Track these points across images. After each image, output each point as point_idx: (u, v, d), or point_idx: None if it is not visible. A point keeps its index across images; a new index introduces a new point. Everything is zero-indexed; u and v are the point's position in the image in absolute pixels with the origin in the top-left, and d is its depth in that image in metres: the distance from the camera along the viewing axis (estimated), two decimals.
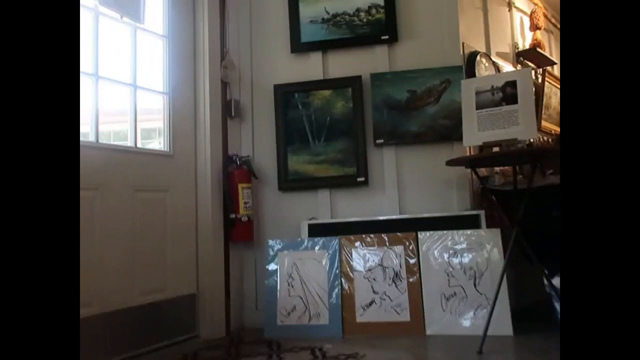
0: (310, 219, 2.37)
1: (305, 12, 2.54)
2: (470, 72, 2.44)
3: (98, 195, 1.92)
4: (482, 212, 2.23)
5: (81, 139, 1.98)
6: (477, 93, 2.03)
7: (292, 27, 2.55)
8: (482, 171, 2.32)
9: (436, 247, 2.14)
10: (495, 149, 2.17)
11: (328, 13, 2.52)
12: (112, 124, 2.57)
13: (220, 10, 2.53)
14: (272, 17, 2.60)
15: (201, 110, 2.41)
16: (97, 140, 2.02)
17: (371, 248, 2.19)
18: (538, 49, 3.10)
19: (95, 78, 1.99)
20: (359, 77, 2.45)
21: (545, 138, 2.98)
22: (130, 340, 1.96)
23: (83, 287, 1.79)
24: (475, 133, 2.01)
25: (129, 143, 2.17)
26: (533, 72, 3.09)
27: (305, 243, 2.26)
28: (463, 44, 2.44)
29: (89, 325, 1.78)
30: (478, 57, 2.50)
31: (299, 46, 2.54)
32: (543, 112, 3.00)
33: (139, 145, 2.20)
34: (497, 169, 2.44)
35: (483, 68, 2.54)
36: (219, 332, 2.29)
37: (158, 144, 2.40)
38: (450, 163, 2.10)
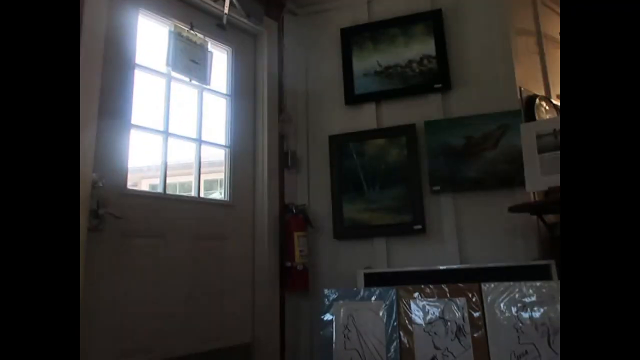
0: (366, 268, 2.32)
1: (359, 66, 2.64)
2: (530, 115, 2.38)
3: (163, 242, 2.03)
4: (552, 262, 2.07)
5: (150, 190, 2.12)
6: (538, 137, 1.96)
7: (346, 81, 2.65)
8: (550, 218, 2.18)
9: (502, 299, 2.00)
10: None
11: (380, 66, 2.60)
12: (179, 177, 2.73)
13: (278, 69, 2.70)
14: (328, 72, 2.72)
15: (260, 162, 2.52)
16: (165, 192, 2.17)
17: (431, 299, 2.08)
18: None
19: (165, 135, 2.16)
20: (413, 125, 2.46)
21: None
22: None
23: (146, 332, 1.86)
24: (539, 177, 1.92)
25: (193, 193, 2.30)
26: None
27: (362, 293, 2.20)
28: (520, 88, 2.40)
29: None
30: (537, 101, 2.43)
31: (353, 98, 2.62)
32: None
33: (201, 195, 2.32)
34: None
35: (543, 111, 2.47)
36: None
37: (219, 194, 2.52)
38: (513, 210, 2.01)
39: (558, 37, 2.94)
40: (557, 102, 2.64)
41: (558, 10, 3.00)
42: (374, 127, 2.55)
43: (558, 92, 2.75)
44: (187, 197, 2.27)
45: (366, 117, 2.58)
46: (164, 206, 2.09)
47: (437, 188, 2.34)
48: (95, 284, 1.72)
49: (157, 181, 2.19)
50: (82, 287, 1.62)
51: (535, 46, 2.71)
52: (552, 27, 2.90)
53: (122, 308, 1.81)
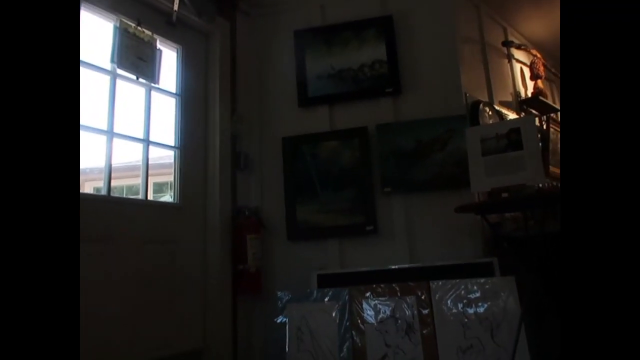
0: (320, 269, 2.34)
1: (312, 68, 2.65)
2: (474, 120, 2.49)
3: (109, 247, 1.93)
4: (495, 259, 2.18)
5: (95, 193, 2.02)
6: (482, 140, 2.05)
7: (299, 82, 2.65)
8: (493, 217, 2.29)
9: (449, 296, 2.08)
10: (505, 195, 2.15)
11: (334, 69, 2.63)
12: (126, 179, 2.62)
13: (231, 68, 2.66)
14: (281, 73, 2.72)
15: (211, 163, 2.47)
16: (109, 194, 2.07)
17: (382, 298, 2.13)
18: (540, 97, 3.16)
19: (109, 135, 2.06)
20: (365, 127, 2.50)
21: (555, 183, 2.96)
22: None
23: (90, 339, 1.76)
24: (483, 179, 2.01)
25: (141, 196, 2.21)
26: (537, 119, 3.13)
27: (315, 294, 2.21)
28: (465, 94, 2.51)
29: None
30: (481, 106, 2.55)
31: (306, 100, 2.63)
32: (550, 158, 3.00)
33: (150, 198, 2.24)
34: (508, 215, 2.41)
35: (487, 117, 2.59)
36: None
37: (169, 197, 2.44)
38: (459, 210, 2.09)
39: (500, 46, 3.11)
40: (499, 108, 2.79)
41: (501, 21, 3.17)
42: (327, 130, 2.57)
43: (501, 98, 2.90)
44: (134, 199, 2.18)
45: (319, 120, 2.59)
46: (110, 209, 2.00)
47: (388, 189, 2.40)
48: None
49: (101, 183, 2.09)
50: None
51: (479, 54, 2.84)
52: (495, 37, 3.07)
53: None
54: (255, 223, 2.43)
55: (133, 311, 1.96)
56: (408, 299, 2.10)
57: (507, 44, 3.13)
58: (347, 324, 2.11)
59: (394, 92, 2.53)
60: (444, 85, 2.50)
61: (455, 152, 2.35)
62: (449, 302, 2.07)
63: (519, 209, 2.20)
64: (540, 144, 2.68)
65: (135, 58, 2.20)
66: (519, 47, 3.24)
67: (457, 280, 2.10)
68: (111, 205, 2.02)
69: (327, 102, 2.61)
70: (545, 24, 3.26)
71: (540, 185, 2.24)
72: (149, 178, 2.26)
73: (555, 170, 3.05)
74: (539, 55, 3.32)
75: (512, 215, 2.44)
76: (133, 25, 2.19)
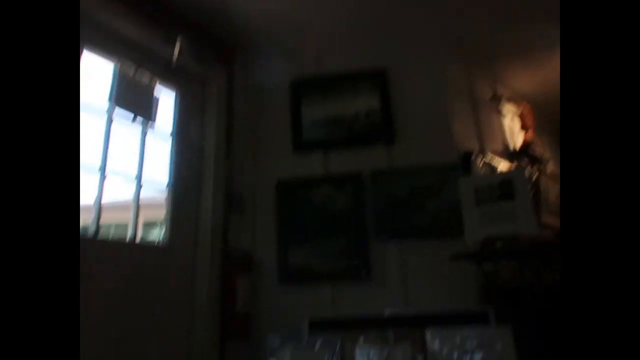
0: (311, 315, 2.25)
1: (308, 114, 2.71)
2: (467, 170, 2.52)
3: (93, 288, 1.86)
4: (490, 309, 2.12)
5: (82, 229, 1.97)
6: (476, 190, 2.07)
7: (294, 127, 2.70)
8: (488, 266, 2.27)
9: (444, 344, 2.00)
10: (499, 244, 2.14)
11: (328, 116, 2.68)
12: (114, 215, 2.58)
13: (227, 112, 2.70)
14: (276, 118, 2.77)
15: (204, 204, 2.45)
16: (97, 237, 2.02)
17: (376, 346, 2.05)
18: (530, 148, 3.23)
19: (101, 172, 2.05)
20: (359, 174, 2.52)
21: (548, 233, 2.97)
22: None
23: None
24: (477, 228, 2.01)
25: (130, 234, 2.16)
26: (529, 168, 3.18)
27: (306, 340, 2.12)
28: (457, 144, 2.56)
29: None
30: (473, 157, 2.60)
31: (300, 145, 2.66)
32: (543, 208, 3.03)
33: (138, 237, 2.19)
34: (503, 263, 2.39)
35: (478, 166, 2.63)
36: None
37: (159, 237, 2.39)
38: (454, 258, 2.07)
39: (488, 99, 3.22)
40: (491, 158, 2.84)
41: (490, 76, 3.30)
42: (321, 175, 2.58)
43: (492, 147, 2.96)
44: (122, 242, 2.13)
45: (314, 164, 2.61)
46: (93, 249, 1.94)
47: (382, 235, 2.38)
48: None
49: (89, 221, 2.04)
50: None
51: (469, 107, 2.94)
52: (485, 90, 3.18)
53: None
54: (246, 265, 2.37)
55: (115, 356, 1.85)
56: (402, 347, 2.02)
57: (495, 99, 3.25)
58: None
59: (388, 140, 2.57)
60: (436, 135, 2.55)
61: (449, 200, 2.36)
62: (444, 350, 1.99)
63: (513, 258, 2.18)
64: (531, 194, 2.71)
65: (134, 99, 2.23)
66: (508, 100, 3.36)
67: (453, 329, 2.04)
68: (98, 246, 1.97)
69: (322, 148, 2.64)
70: (534, 78, 3.40)
71: (534, 235, 2.25)
72: (140, 217, 2.23)
73: (547, 220, 3.06)
74: (528, 108, 3.43)
75: (508, 265, 2.42)
76: (133, 68, 2.24)
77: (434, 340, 2.02)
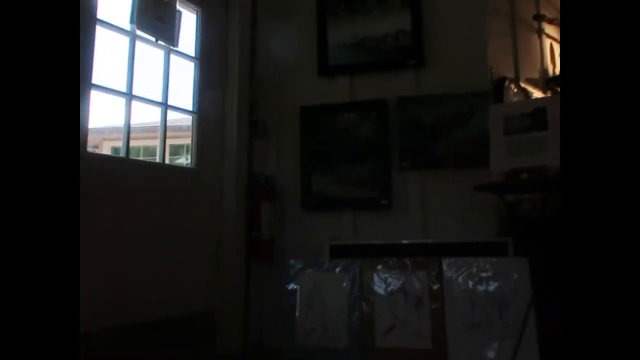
0: (333, 240, 2.35)
1: (334, 37, 2.58)
2: (499, 97, 2.42)
3: (125, 207, 1.97)
4: (509, 240, 2.16)
5: (113, 154, 2.04)
6: (505, 119, 2.00)
7: (320, 50, 2.59)
8: (510, 197, 2.26)
9: (461, 274, 2.08)
10: (524, 176, 2.11)
11: (356, 37, 2.55)
12: (143, 140, 2.62)
13: (251, 33, 2.60)
14: (301, 40, 2.65)
15: (228, 129, 2.47)
16: (128, 156, 2.09)
17: (393, 272, 2.15)
18: None
19: (128, 97, 2.06)
20: (385, 100, 2.45)
21: None
22: (151, 352, 1.96)
23: (109, 298, 1.82)
24: (503, 159, 1.97)
25: (158, 159, 2.23)
26: None
27: (327, 264, 2.24)
28: (491, 69, 2.42)
29: (112, 335, 1.81)
30: (506, 83, 2.47)
31: (326, 69, 2.58)
32: None
33: (166, 161, 2.26)
34: (525, 195, 2.37)
35: (511, 94, 2.51)
36: (236, 349, 2.28)
37: (185, 160, 2.46)
38: (477, 188, 2.06)
39: (531, 20, 2.98)
40: (525, 85, 2.70)
41: None
42: (347, 101, 2.53)
43: (527, 75, 2.80)
44: (152, 162, 2.20)
45: (339, 90, 2.55)
46: (127, 171, 2.02)
47: (405, 164, 2.37)
48: None
49: (119, 143, 2.11)
50: None
51: (508, 28, 2.73)
52: (527, 9, 2.93)
53: (83, 272, 1.75)
54: (270, 191, 2.44)
55: (147, 271, 2.01)
56: (419, 274, 2.11)
57: (539, 17, 3.00)
58: (357, 294, 2.14)
59: (417, 64, 2.45)
60: (468, 59, 2.41)
61: (476, 130, 2.29)
62: (460, 279, 2.07)
63: (538, 190, 2.16)
64: None
65: (155, 19, 2.16)
66: (550, 22, 3.10)
67: (470, 258, 2.10)
68: (129, 167, 2.05)
69: (348, 72, 2.56)
70: None
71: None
72: (167, 140, 2.28)
73: None
74: None
75: (530, 196, 2.40)
76: None
77: (450, 269, 2.10)
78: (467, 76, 2.39)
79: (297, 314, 2.19)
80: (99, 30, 1.94)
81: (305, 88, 2.61)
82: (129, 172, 2.02)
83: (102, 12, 1.96)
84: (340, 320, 2.12)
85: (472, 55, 2.41)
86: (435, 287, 2.08)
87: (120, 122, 2.08)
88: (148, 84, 2.24)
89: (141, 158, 2.34)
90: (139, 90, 2.12)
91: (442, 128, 2.35)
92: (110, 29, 2.03)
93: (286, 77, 2.66)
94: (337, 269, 2.21)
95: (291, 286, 2.26)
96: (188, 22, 2.41)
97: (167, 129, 2.27)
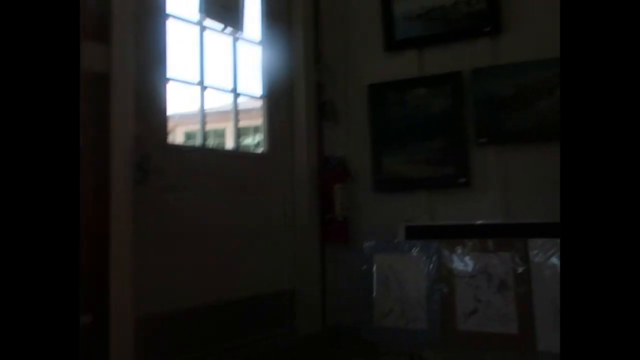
0: (407, 221, 2.31)
1: (399, 9, 2.47)
2: None
3: (202, 194, 2.05)
4: None
5: (185, 138, 2.12)
6: None
7: (385, 25, 2.49)
8: None
9: (549, 256, 1.96)
10: None
11: (423, 8, 2.42)
12: (212, 124, 2.70)
13: (314, 13, 2.56)
14: (365, 16, 2.57)
15: (297, 112, 2.47)
16: (204, 145, 2.16)
17: (474, 254, 2.07)
18: None
19: (201, 87, 2.12)
20: (459, 72, 2.32)
21: None
22: (231, 331, 2.07)
23: (189, 278, 1.93)
24: None
25: (229, 144, 2.29)
26: None
27: (403, 246, 2.21)
28: None
29: (195, 315, 1.93)
30: None
31: (393, 44, 2.48)
32: None
33: (237, 146, 2.31)
34: None
35: None
36: (315, 328, 2.34)
37: (251, 140, 2.51)
38: None
39: None
40: None
41: None
42: (416, 76, 2.42)
43: None
44: (227, 150, 2.27)
45: (407, 65, 2.45)
46: (204, 159, 2.09)
47: (483, 140, 2.25)
48: (140, 234, 1.75)
49: (192, 128, 2.19)
50: (127, 236, 1.66)
51: None
52: None
53: (167, 256, 1.87)
54: (342, 173, 2.43)
55: (225, 253, 2.09)
56: (502, 256, 2.02)
57: None
58: (436, 276, 2.09)
59: (493, 31, 2.28)
60: (552, 21, 2.19)
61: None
62: (548, 261, 1.96)
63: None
64: None
65: (222, 7, 2.18)
66: None
67: (556, 240, 1.97)
68: (205, 155, 2.12)
69: (416, 46, 2.44)
70: None
71: None
72: (233, 124, 2.32)
73: None
74: None
75: None
76: None
77: (537, 251, 1.98)
78: (551, 41, 2.18)
79: (374, 295, 2.19)
80: (170, 24, 1.99)
81: (372, 65, 2.53)
82: (205, 159, 2.09)
83: (171, 6, 2.00)
84: (419, 302, 2.09)
85: (555, 17, 2.19)
86: (520, 269, 1.98)
87: (191, 108, 2.15)
88: (218, 72, 2.28)
89: (211, 142, 2.41)
90: (210, 78, 2.16)
91: (524, 99, 2.19)
92: (181, 22, 2.07)
93: (352, 55, 2.59)
94: (414, 250, 2.17)
95: (367, 268, 2.26)
96: (251, 5, 2.41)
97: (237, 115, 2.31)
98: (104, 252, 1.61)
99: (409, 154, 2.39)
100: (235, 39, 2.31)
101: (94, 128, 1.66)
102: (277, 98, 2.44)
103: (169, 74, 1.96)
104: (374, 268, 2.23)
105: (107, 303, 1.58)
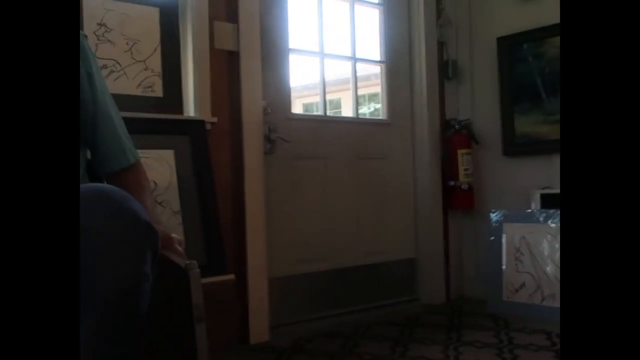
0: (543, 189, 2.09)
1: None
2: None
3: (326, 162, 2.10)
4: None
5: (304, 109, 2.17)
6: None
7: None
8: None
9: None
10: None
11: None
12: (329, 94, 2.72)
13: None
14: None
15: (417, 75, 2.36)
16: (325, 114, 2.20)
17: None
18: None
19: (321, 56, 2.14)
20: None
21: None
22: (355, 295, 2.14)
23: (316, 244, 2.02)
24: None
25: (348, 112, 2.29)
26: None
27: (537, 215, 2.02)
28: None
29: (321, 278, 2.03)
30: None
31: None
32: None
33: (357, 113, 2.30)
34: None
35: None
36: (439, 298, 2.30)
37: (374, 109, 2.47)
38: None
39: None
40: None
41: None
42: (556, 22, 2.12)
43: None
44: (347, 118, 2.28)
45: (545, 10, 2.15)
46: (325, 127, 2.14)
47: None
48: (270, 202, 1.88)
49: (310, 100, 2.23)
50: (261, 204, 1.80)
51: None
52: None
53: (295, 222, 1.98)
54: (466, 137, 2.29)
55: (349, 221, 2.14)
56: None
57: None
58: None
59: None
60: None
61: None
62: None
63: None
64: None
65: None
66: None
67: None
68: (327, 124, 2.16)
69: None
70: None
71: None
72: (352, 92, 2.30)
73: None
74: None
75: None
76: None
77: None
78: None
79: (503, 268, 2.06)
80: None
81: (502, 15, 2.28)
82: (327, 128, 2.13)
83: None
84: (556, 277, 1.91)
85: None
86: None
87: (308, 80, 2.18)
88: (336, 40, 2.27)
89: (329, 111, 2.43)
90: (328, 47, 2.17)
91: None
92: None
93: (478, 6, 2.37)
94: (551, 221, 1.97)
95: (495, 238, 2.12)
96: None
97: (357, 81, 2.29)
98: (242, 222, 1.77)
99: (545, 113, 2.13)
100: (353, 3, 2.26)
101: (229, 104, 1.80)
102: (396, 61, 2.35)
103: (290, 46, 2.02)
104: (504, 239, 2.09)
105: (245, 266, 1.76)
